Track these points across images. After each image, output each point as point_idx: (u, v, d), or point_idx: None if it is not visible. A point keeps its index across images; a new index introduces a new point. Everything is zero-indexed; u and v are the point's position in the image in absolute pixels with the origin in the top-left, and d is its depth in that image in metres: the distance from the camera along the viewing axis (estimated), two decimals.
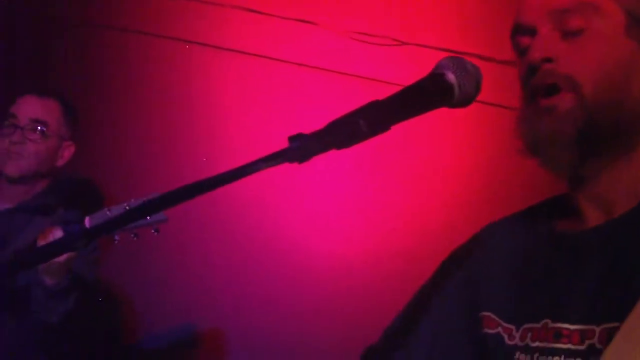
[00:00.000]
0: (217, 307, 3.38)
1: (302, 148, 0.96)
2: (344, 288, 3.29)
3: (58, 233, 2.33)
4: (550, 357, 1.17)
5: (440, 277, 1.45)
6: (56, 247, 1.04)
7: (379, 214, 3.38)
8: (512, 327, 1.26)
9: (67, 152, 2.94)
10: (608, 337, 1.09)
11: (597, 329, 1.12)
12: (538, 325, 1.21)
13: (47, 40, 3.69)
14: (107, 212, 2.30)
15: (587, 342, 1.13)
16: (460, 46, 3.23)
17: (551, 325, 1.19)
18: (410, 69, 3.26)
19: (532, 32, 1.26)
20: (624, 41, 1.22)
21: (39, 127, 2.82)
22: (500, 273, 1.34)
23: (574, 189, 1.29)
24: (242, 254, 3.39)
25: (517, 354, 1.22)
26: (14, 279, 2.50)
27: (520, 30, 1.29)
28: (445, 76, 1.08)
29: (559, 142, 1.20)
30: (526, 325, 1.23)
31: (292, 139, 0.97)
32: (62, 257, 2.30)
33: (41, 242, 2.34)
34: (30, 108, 2.85)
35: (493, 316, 1.29)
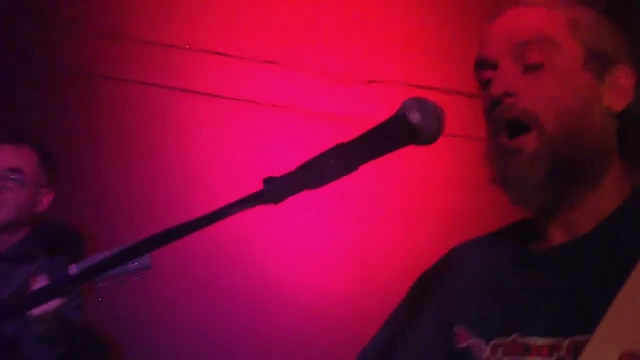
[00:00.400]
0: (204, 347, 3.39)
1: (276, 190, 1.00)
2: (324, 322, 3.32)
3: (43, 281, 2.33)
4: None
5: (411, 301, 1.49)
6: (44, 295, 1.06)
7: (359, 251, 3.43)
8: (482, 341, 1.29)
9: (46, 199, 2.93)
10: (575, 350, 1.14)
11: (565, 342, 1.17)
12: (508, 340, 1.24)
13: (13, 83, 3.70)
14: (91, 260, 2.32)
15: (556, 354, 1.18)
16: (427, 81, 3.32)
17: (520, 339, 1.23)
18: (379, 106, 3.33)
19: (493, 65, 1.30)
20: (582, 74, 1.27)
21: (16, 176, 2.81)
22: (470, 290, 1.38)
23: (541, 217, 1.33)
24: (225, 295, 3.42)
25: None
26: (2, 324, 2.50)
27: (483, 64, 1.33)
28: (408, 117, 1.12)
29: (529, 184, 1.25)
30: (496, 341, 1.26)
31: (266, 181, 1.01)
32: (53, 306, 2.31)
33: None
34: (5, 157, 2.84)
35: (464, 329, 1.33)
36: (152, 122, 3.63)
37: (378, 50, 3.57)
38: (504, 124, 1.28)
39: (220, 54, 3.60)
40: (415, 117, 1.12)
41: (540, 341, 1.20)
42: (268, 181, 1.01)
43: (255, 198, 1.00)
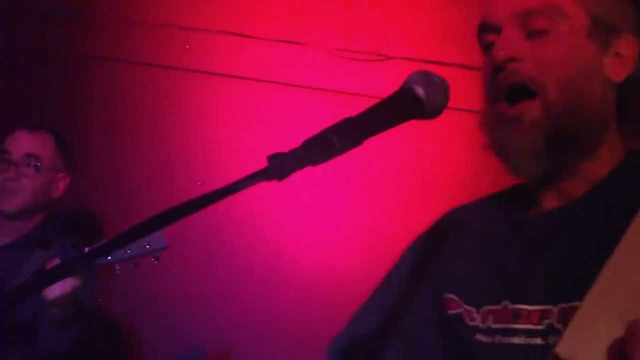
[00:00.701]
0: (219, 330, 3.43)
1: (280, 166, 1.00)
2: (339, 299, 3.34)
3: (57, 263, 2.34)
4: (510, 338, 1.21)
5: (403, 268, 1.49)
6: (56, 273, 1.08)
7: (369, 224, 3.43)
8: (473, 308, 1.29)
9: (62, 183, 2.94)
10: (566, 317, 1.13)
11: (555, 309, 1.17)
12: (498, 307, 1.25)
13: (39, 73, 3.74)
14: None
15: (546, 321, 1.17)
16: (444, 57, 3.29)
17: (511, 306, 1.23)
18: (397, 82, 3.31)
19: (497, 30, 1.29)
20: (586, 43, 1.26)
21: (33, 162, 2.83)
22: (461, 257, 1.38)
23: (536, 184, 1.33)
24: (238, 274, 3.45)
25: (477, 335, 1.26)
26: (18, 309, 2.54)
27: (486, 28, 1.33)
28: (414, 89, 1.11)
29: (527, 152, 1.25)
30: (486, 307, 1.27)
31: (270, 158, 1.01)
32: (67, 289, 2.32)
33: None
34: (22, 143, 2.86)
35: (455, 297, 1.33)
36: (172, 105, 3.66)
37: (394, 27, 3.56)
38: (505, 90, 1.27)
39: (240, 34, 3.61)
40: (420, 89, 1.11)
41: (530, 308, 1.20)
42: (272, 158, 1.01)
43: (259, 174, 1.00)
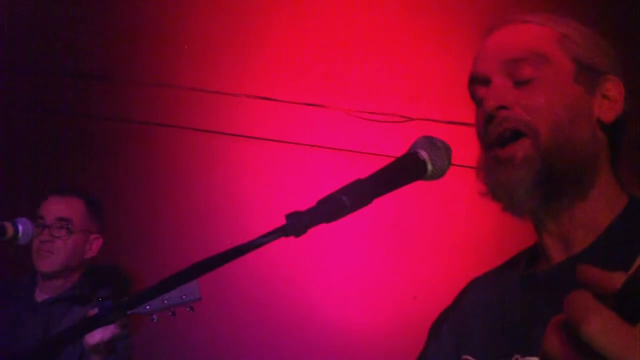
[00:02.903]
0: None
1: (296, 223, 1.10)
2: (367, 357, 3.39)
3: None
4: None
5: (431, 336, 1.57)
6: (96, 321, 1.18)
7: (399, 283, 3.50)
8: None
9: (95, 244, 3.12)
10: None
11: None
12: None
13: (73, 134, 3.92)
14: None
15: None
16: (465, 117, 3.39)
17: (521, 359, 1.28)
18: None
19: (486, 81, 1.36)
20: (573, 87, 1.32)
21: (64, 225, 3.02)
22: (477, 319, 1.44)
23: (538, 228, 1.39)
24: (266, 328, 3.52)
25: None
26: (61, 357, 2.65)
27: (476, 80, 1.39)
28: (418, 154, 1.22)
29: (519, 188, 1.30)
30: None
31: (288, 216, 1.11)
32: (107, 335, 2.45)
33: None
34: (54, 208, 3.05)
35: (470, 358, 1.40)
36: (201, 165, 3.79)
37: (415, 89, 3.67)
38: (497, 136, 1.33)
39: (267, 98, 3.75)
40: (424, 153, 1.22)
41: None
42: (290, 216, 1.12)
43: (278, 231, 1.10)
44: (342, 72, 3.74)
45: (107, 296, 2.87)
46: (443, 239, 3.51)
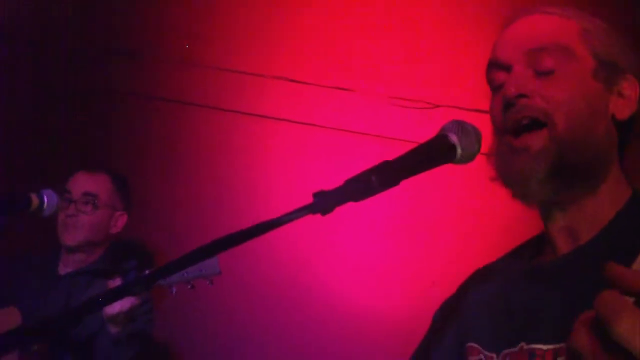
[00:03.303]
0: None
1: (323, 201, 1.10)
2: (384, 343, 3.39)
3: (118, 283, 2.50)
4: None
5: (434, 326, 1.58)
6: (116, 292, 1.19)
7: (418, 268, 3.49)
8: (493, 354, 1.35)
9: (120, 221, 3.16)
10: None
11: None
12: (515, 350, 1.31)
13: (102, 113, 3.94)
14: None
15: (559, 359, 1.23)
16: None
17: (526, 347, 1.29)
18: None
19: (507, 68, 1.36)
20: (592, 83, 1.33)
21: (90, 200, 3.05)
22: (482, 308, 1.45)
23: (545, 218, 1.39)
24: (284, 310, 3.54)
25: None
26: (82, 326, 2.68)
27: (496, 66, 1.39)
28: (448, 137, 1.22)
29: (533, 178, 1.30)
30: (505, 351, 1.33)
31: (315, 194, 1.12)
32: (126, 307, 2.47)
33: None
34: (81, 183, 3.09)
35: (476, 346, 1.40)
36: (225, 145, 3.80)
37: (444, 76, 3.65)
38: (514, 124, 1.33)
39: (295, 80, 3.74)
40: (454, 137, 1.22)
41: (545, 347, 1.26)
42: (317, 194, 1.12)
43: (305, 209, 1.11)
44: (371, 56, 3.73)
45: (131, 268, 2.90)
46: (463, 224, 3.50)
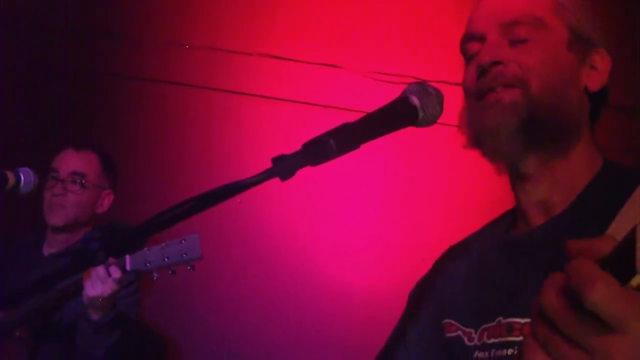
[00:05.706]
0: (253, 341, 3.52)
1: (281, 165, 1.09)
2: (377, 319, 3.40)
3: (100, 270, 2.43)
4: (504, 350, 1.27)
5: (410, 305, 1.58)
6: (76, 265, 1.17)
7: (408, 245, 3.50)
8: (472, 330, 1.35)
9: (107, 200, 3.08)
10: None
11: None
12: (493, 324, 1.30)
13: (86, 91, 3.92)
14: (147, 251, 2.40)
15: None
16: None
17: (504, 321, 1.29)
18: None
19: (481, 39, 1.37)
20: (565, 53, 1.34)
21: (78, 179, 2.97)
22: (458, 284, 1.45)
23: (517, 191, 1.40)
24: (271, 288, 3.55)
25: (476, 353, 1.32)
26: (63, 312, 2.65)
27: (471, 38, 1.40)
28: (409, 99, 1.20)
29: (502, 132, 1.30)
30: (484, 326, 1.33)
31: (274, 159, 1.11)
32: (107, 292, 2.42)
33: (86, 281, 2.44)
34: (69, 161, 3.00)
35: (453, 322, 1.40)
36: (213, 124, 3.79)
37: (431, 51, 3.64)
38: (488, 89, 1.33)
39: (280, 57, 3.73)
40: (415, 99, 1.20)
41: (522, 321, 1.26)
42: (276, 159, 1.11)
43: (264, 173, 1.09)
44: (357, 32, 3.71)
45: (93, 237, 2.86)
46: (453, 200, 3.50)
